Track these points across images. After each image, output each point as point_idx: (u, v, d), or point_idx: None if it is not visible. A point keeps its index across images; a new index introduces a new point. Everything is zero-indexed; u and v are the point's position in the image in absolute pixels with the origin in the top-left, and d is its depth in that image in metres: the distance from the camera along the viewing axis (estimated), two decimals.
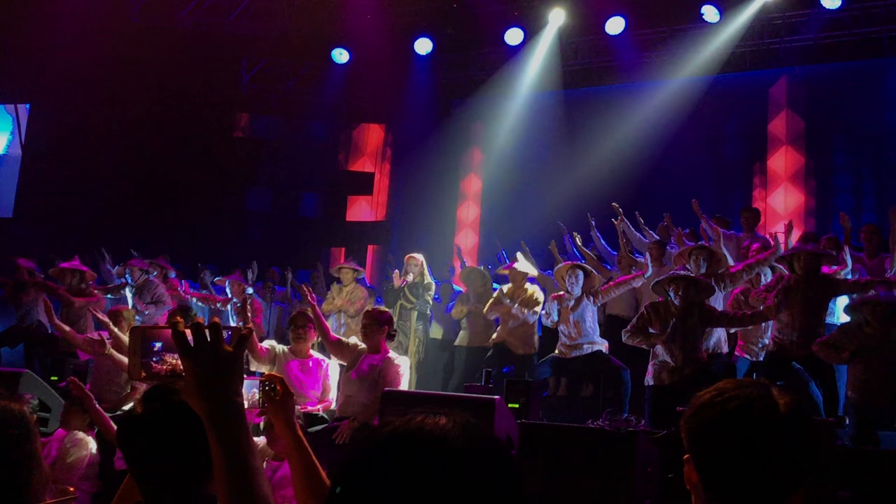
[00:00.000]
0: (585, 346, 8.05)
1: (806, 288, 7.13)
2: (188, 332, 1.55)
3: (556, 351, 8.21)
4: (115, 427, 5.05)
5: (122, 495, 2.17)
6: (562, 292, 8.20)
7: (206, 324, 1.56)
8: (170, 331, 1.58)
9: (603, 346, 8.15)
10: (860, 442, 6.25)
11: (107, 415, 5.31)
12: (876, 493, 5.35)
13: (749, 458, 1.58)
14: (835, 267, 7.54)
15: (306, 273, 12.47)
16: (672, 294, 7.09)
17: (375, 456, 1.13)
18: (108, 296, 10.10)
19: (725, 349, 7.72)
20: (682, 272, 7.33)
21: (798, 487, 1.59)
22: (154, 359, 1.68)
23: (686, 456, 1.66)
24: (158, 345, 1.68)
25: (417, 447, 1.11)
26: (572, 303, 8.06)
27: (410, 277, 9.37)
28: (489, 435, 1.17)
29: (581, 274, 8.12)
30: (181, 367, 1.59)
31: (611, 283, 8.32)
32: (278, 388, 1.95)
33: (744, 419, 1.58)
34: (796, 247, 7.53)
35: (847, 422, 6.87)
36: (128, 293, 9.78)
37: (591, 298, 8.12)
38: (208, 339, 1.54)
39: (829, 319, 7.50)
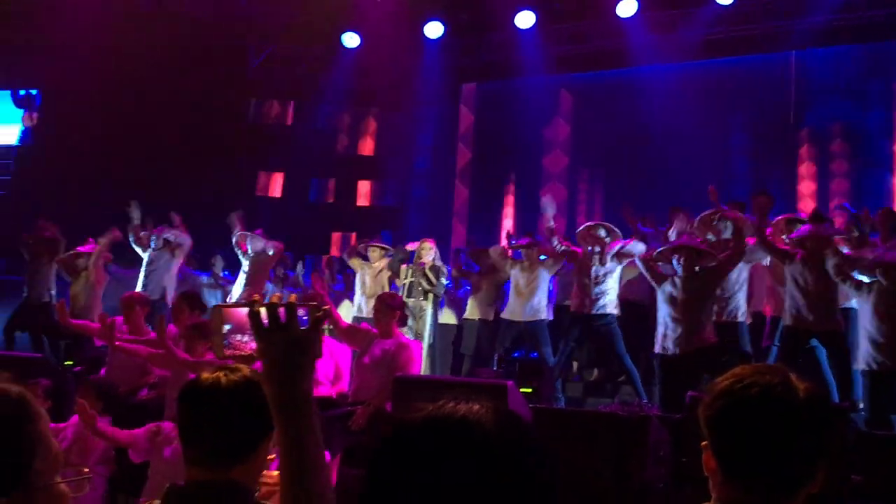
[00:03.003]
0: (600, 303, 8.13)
1: (815, 266, 7.14)
2: (263, 311, 1.48)
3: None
4: (120, 433, 5.03)
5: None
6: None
7: (282, 302, 1.50)
8: (243, 311, 1.53)
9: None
10: (874, 426, 6.25)
11: (113, 428, 5.20)
12: (889, 478, 5.35)
13: (770, 444, 1.58)
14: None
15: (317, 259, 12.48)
16: (675, 262, 7.28)
17: (412, 440, 1.15)
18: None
19: (744, 318, 7.73)
20: (687, 242, 7.44)
21: (816, 473, 1.60)
22: (224, 342, 1.64)
23: (704, 443, 1.66)
24: (227, 327, 1.63)
25: (454, 431, 1.13)
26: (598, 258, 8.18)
27: (429, 259, 9.24)
28: (521, 420, 1.19)
29: (603, 231, 8.34)
30: (249, 350, 1.56)
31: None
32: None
33: (765, 406, 1.58)
34: (805, 229, 7.48)
35: (861, 406, 6.86)
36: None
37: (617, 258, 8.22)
38: (282, 320, 1.49)
39: (846, 304, 7.51)
